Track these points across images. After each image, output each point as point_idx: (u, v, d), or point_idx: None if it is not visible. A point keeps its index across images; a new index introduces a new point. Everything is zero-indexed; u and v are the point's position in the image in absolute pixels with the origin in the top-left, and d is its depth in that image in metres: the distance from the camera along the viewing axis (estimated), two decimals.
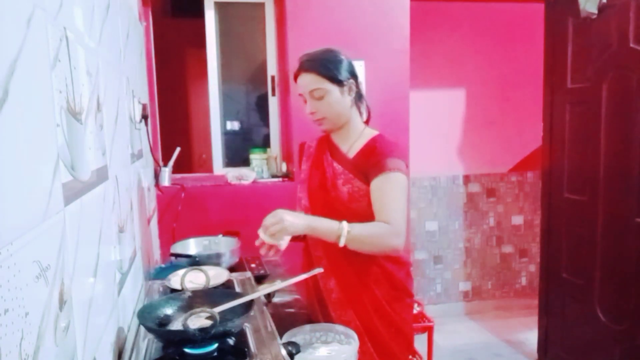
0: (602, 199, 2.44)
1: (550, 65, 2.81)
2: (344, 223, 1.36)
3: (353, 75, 1.52)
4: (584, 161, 2.56)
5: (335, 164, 1.53)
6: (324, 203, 1.52)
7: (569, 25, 2.63)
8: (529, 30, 3.60)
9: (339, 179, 1.51)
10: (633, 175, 2.26)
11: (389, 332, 1.50)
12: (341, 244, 1.35)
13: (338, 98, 1.48)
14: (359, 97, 1.55)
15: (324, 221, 1.37)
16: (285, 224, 1.31)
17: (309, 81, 1.47)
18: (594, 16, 2.42)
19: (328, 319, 1.50)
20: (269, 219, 1.34)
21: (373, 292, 1.49)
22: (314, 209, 1.55)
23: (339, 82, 1.47)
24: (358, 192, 1.47)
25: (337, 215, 1.42)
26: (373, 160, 1.44)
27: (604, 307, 2.47)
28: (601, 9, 2.39)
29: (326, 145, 1.60)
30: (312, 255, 1.56)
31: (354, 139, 1.54)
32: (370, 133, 1.55)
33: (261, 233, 1.35)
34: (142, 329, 1.19)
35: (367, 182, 1.45)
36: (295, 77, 1.53)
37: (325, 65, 1.47)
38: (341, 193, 1.49)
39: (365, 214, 1.44)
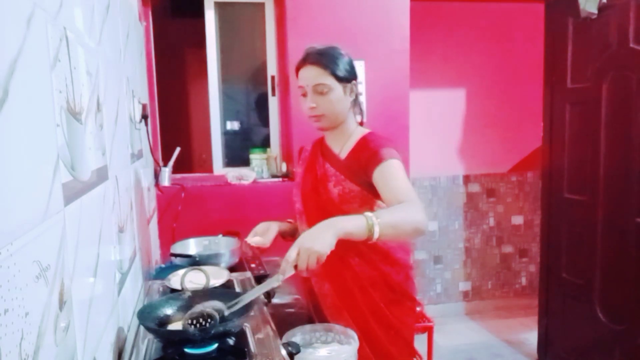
0: (602, 199, 2.44)
1: (550, 65, 2.81)
2: (368, 213, 1.18)
3: (355, 76, 1.50)
4: (584, 161, 2.55)
5: (327, 166, 1.52)
6: (317, 206, 1.50)
7: (569, 25, 2.63)
8: (529, 30, 3.59)
9: (330, 181, 1.49)
10: (633, 175, 2.26)
11: (387, 335, 1.47)
12: (375, 236, 1.16)
13: (340, 97, 1.46)
14: (356, 98, 1.53)
15: (349, 221, 1.17)
16: (318, 251, 1.09)
17: (314, 75, 1.44)
18: (594, 16, 2.42)
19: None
20: (296, 256, 1.10)
21: (370, 296, 1.46)
22: (307, 212, 1.54)
23: (344, 81, 1.46)
24: (349, 193, 1.45)
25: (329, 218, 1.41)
26: (367, 154, 1.41)
27: (604, 307, 2.47)
28: (601, 9, 2.38)
29: (319, 148, 1.59)
30: None
31: (345, 140, 1.52)
32: (361, 132, 1.52)
33: (288, 261, 1.10)
34: (142, 329, 1.19)
35: (359, 182, 1.43)
36: (298, 69, 1.49)
37: (334, 62, 1.44)
38: (332, 195, 1.47)
39: None
